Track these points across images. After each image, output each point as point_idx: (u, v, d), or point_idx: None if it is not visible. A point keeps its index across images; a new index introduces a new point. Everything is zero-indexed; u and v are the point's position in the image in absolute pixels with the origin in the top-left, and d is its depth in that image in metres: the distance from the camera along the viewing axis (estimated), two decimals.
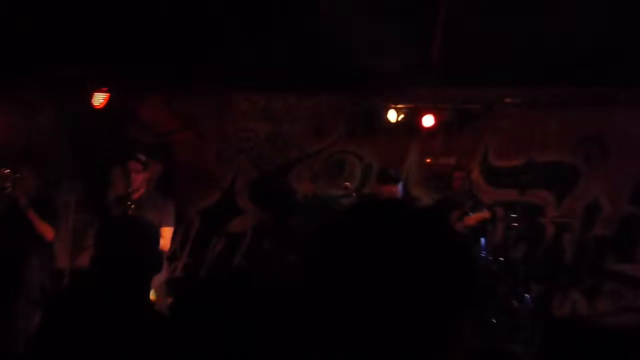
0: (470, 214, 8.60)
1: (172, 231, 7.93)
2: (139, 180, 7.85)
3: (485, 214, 8.50)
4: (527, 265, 9.43)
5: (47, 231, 7.62)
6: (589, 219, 9.87)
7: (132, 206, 7.73)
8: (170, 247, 8.16)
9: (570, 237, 9.90)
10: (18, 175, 7.53)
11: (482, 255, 8.62)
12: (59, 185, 9.45)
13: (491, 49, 8.55)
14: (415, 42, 8.56)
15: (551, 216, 9.92)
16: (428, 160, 10.05)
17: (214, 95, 10.12)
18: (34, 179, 7.71)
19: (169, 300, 8.39)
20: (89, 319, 3.31)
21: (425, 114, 9.76)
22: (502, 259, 8.89)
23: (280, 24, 8.62)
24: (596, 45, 8.33)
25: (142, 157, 7.94)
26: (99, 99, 9.36)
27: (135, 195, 7.83)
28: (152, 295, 7.22)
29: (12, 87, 9.24)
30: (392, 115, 9.77)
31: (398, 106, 9.78)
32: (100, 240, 3.46)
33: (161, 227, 7.64)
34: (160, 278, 7.55)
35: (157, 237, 3.58)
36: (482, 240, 8.67)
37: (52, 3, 8.22)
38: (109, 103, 9.40)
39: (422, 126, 9.83)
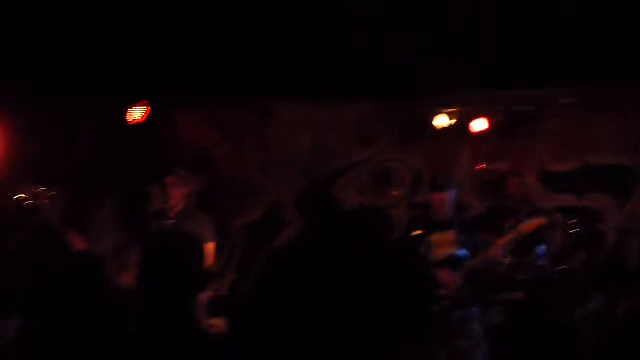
0: (526, 221, 8.24)
1: (213, 246, 7.76)
2: (178, 195, 7.71)
3: (541, 220, 8.14)
4: (588, 274, 9.06)
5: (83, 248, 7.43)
6: None
7: (171, 222, 7.54)
8: (214, 264, 7.93)
9: (634, 243, 9.54)
10: (53, 193, 7.37)
11: (541, 264, 8.34)
12: (100, 204, 9.33)
13: (542, 48, 8.35)
14: (464, 42, 8.36)
15: (613, 222, 9.58)
16: (480, 165, 9.73)
17: (254, 105, 9.87)
18: (69, 197, 7.58)
19: (212, 321, 8.20)
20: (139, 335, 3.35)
21: (475, 118, 9.46)
22: (562, 268, 8.55)
23: (322, 31, 8.42)
24: None
25: (182, 172, 7.78)
26: (139, 112, 9.16)
27: (174, 211, 7.65)
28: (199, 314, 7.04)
29: (52, 105, 9.10)
30: (442, 120, 9.47)
31: (447, 110, 9.49)
32: (146, 256, 3.42)
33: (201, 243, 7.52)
34: (204, 298, 7.39)
35: (201, 250, 3.58)
36: (541, 248, 8.36)
37: (86, 18, 8.12)
38: (148, 116, 9.21)
39: (473, 130, 9.52)
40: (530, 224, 7.85)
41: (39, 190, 7.32)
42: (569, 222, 8.89)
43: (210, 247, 7.65)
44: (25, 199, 7.28)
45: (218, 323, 8.88)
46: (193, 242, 3.57)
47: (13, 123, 8.78)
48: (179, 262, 3.31)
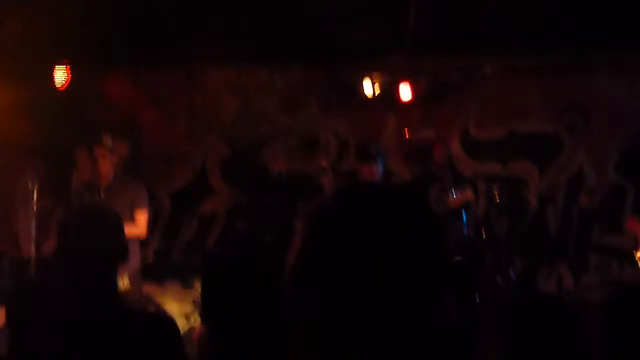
0: (453, 192, 8.30)
1: (146, 214, 7.66)
2: (107, 166, 7.56)
3: (468, 194, 8.23)
4: (510, 241, 9.18)
5: None
6: (574, 190, 9.67)
7: (102, 193, 7.44)
8: (146, 232, 7.81)
9: (554, 210, 9.69)
10: None
11: (464, 231, 8.42)
12: (23, 171, 9.13)
13: (468, 16, 8.34)
14: (390, 9, 8.31)
15: (535, 189, 9.71)
16: (406, 133, 9.75)
17: (181, 70, 9.72)
18: None
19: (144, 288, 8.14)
20: (54, 309, 3.38)
21: (402, 86, 9.45)
22: (485, 235, 8.65)
23: None
24: (578, 11, 8.13)
25: (109, 142, 7.62)
26: (61, 78, 8.93)
27: (104, 182, 7.53)
28: (124, 284, 6.98)
29: None
30: (368, 87, 9.43)
31: (373, 78, 9.45)
32: (62, 232, 3.33)
33: (134, 210, 7.48)
34: (134, 265, 7.32)
35: (119, 224, 3.44)
36: (464, 216, 8.44)
37: None
38: (72, 82, 8.99)
39: (400, 98, 9.50)
40: (459, 198, 7.94)
41: None
42: (492, 190, 8.98)
43: (142, 215, 7.56)
44: None
45: (151, 291, 8.86)
46: (115, 219, 3.52)
47: None
48: (97, 241, 3.27)
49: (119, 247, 3.34)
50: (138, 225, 7.45)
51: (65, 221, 3.40)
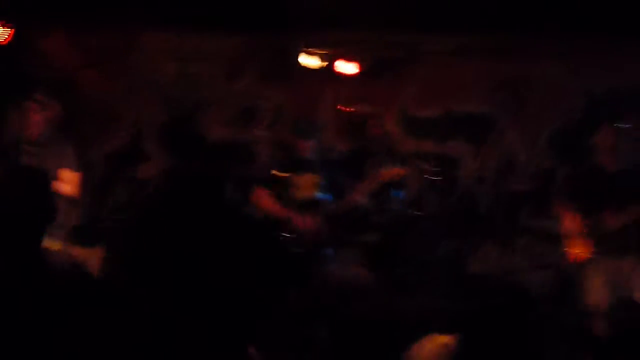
0: (384, 168, 8.38)
1: (75, 174, 7.57)
2: (37, 122, 7.42)
3: (400, 169, 8.29)
4: (441, 220, 9.28)
5: None
6: (504, 171, 9.78)
7: (30, 149, 7.31)
8: (77, 193, 7.72)
9: (484, 190, 9.80)
10: None
11: (397, 207, 8.50)
12: None
13: None
14: None
15: (468, 169, 9.81)
16: (343, 107, 9.77)
17: (120, 31, 9.59)
18: None
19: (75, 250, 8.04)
20: None
21: (342, 59, 9.46)
22: (417, 213, 8.74)
23: None
24: None
25: (40, 96, 7.49)
26: (1, 34, 8.77)
27: (33, 138, 7.40)
28: (56, 245, 6.89)
29: None
30: (308, 59, 9.44)
31: (314, 49, 9.45)
32: None
33: (61, 170, 7.30)
34: (68, 224, 7.22)
35: (47, 184, 3.48)
36: (398, 192, 8.51)
37: None
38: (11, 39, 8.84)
39: (338, 71, 9.52)
40: (390, 172, 7.99)
41: None
42: (426, 168, 9.07)
43: (70, 174, 7.45)
44: None
45: (80, 253, 8.76)
46: (43, 179, 3.49)
47: None
48: (24, 200, 3.25)
49: (47, 206, 3.31)
50: (68, 184, 7.35)
51: None
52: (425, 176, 9.01)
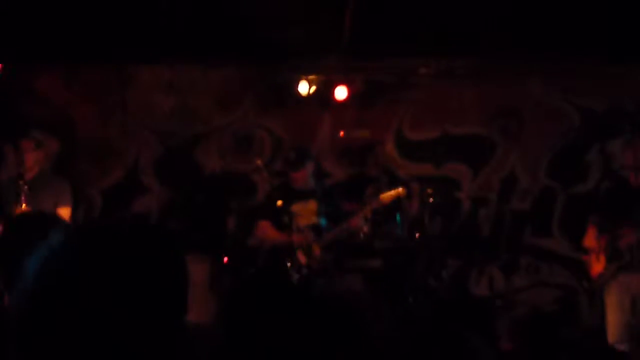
0: (384, 192, 8.35)
1: (69, 211, 7.60)
2: (32, 160, 7.48)
3: (400, 191, 8.25)
4: (443, 242, 9.23)
5: None
6: (506, 192, 9.76)
7: (25, 187, 7.32)
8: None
9: (486, 211, 9.77)
10: None
11: (398, 231, 8.47)
12: None
13: (404, 18, 8.35)
14: (326, 9, 8.30)
15: (467, 190, 9.78)
16: (341, 133, 9.75)
17: (115, 66, 9.59)
18: None
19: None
20: None
21: (337, 86, 9.45)
22: (418, 236, 8.69)
23: None
24: (513, 17, 8.22)
25: (37, 135, 7.53)
26: None
27: (29, 176, 7.43)
28: None
29: None
30: (303, 87, 9.42)
31: (309, 77, 9.44)
32: None
33: (57, 208, 7.42)
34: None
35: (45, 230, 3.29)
36: (397, 216, 8.48)
37: None
38: (3, 78, 8.83)
39: (334, 98, 9.51)
40: (389, 194, 7.95)
41: None
42: (426, 191, 9.02)
43: (65, 212, 7.48)
44: None
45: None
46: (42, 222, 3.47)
47: None
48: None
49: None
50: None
51: None
52: (425, 199, 8.96)
